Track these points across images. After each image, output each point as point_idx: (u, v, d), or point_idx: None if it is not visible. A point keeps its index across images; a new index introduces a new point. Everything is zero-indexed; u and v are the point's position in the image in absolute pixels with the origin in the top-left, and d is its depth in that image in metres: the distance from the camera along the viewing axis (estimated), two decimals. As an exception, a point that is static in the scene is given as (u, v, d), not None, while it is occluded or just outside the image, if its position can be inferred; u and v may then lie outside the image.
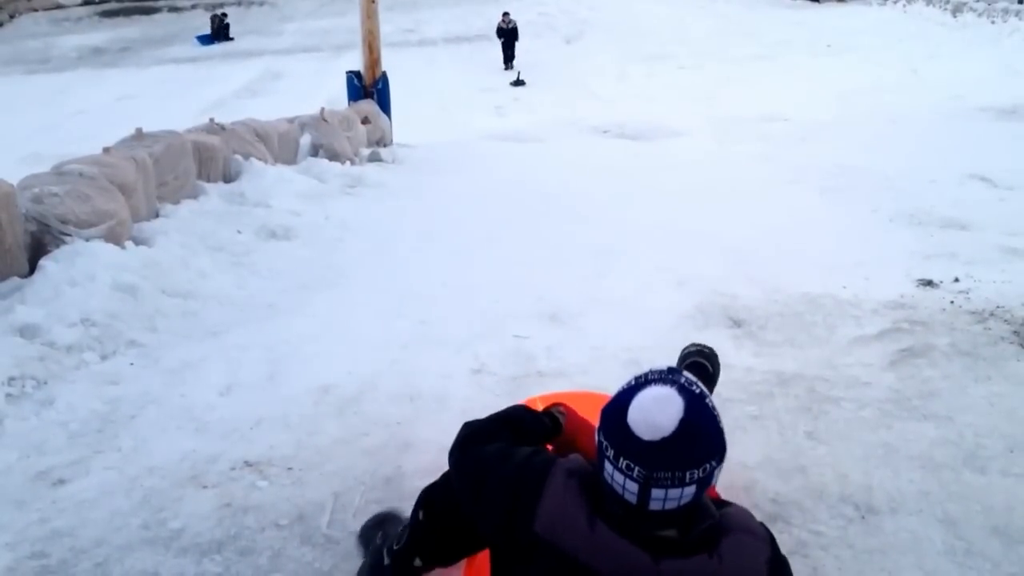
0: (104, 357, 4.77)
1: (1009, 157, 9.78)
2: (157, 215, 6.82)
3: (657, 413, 1.92)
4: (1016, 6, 24.51)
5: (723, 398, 4.21)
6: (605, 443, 1.98)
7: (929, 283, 5.71)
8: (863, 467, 3.56)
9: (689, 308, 5.38)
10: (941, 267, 6.02)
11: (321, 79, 20.75)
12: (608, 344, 4.85)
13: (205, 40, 28.73)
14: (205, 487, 3.47)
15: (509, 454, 2.25)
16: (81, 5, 36.40)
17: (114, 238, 5.86)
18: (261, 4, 34.67)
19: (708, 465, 1.93)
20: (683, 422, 1.90)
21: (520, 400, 2.84)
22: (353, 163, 10.29)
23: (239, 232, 6.97)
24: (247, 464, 3.62)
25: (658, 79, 20.68)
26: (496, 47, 25.69)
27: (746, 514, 2.11)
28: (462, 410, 4.07)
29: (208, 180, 7.79)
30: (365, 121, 11.86)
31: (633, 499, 1.95)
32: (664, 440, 1.89)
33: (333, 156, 9.97)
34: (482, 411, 3.97)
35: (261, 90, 21.29)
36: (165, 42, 28.72)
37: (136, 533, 3.19)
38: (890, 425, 3.91)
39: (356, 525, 3.18)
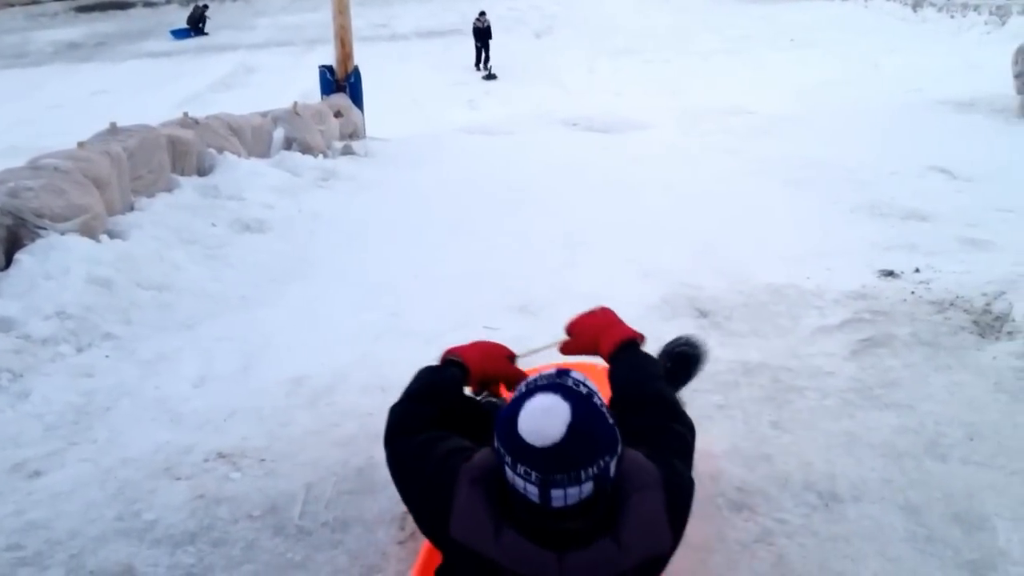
0: (79, 350, 4.81)
1: (967, 149, 9.90)
2: (132, 209, 6.84)
3: (544, 422, 1.98)
4: (975, 0, 24.78)
5: (689, 388, 4.27)
6: (502, 450, 2.03)
7: (890, 274, 5.81)
8: (826, 455, 3.62)
9: (656, 299, 5.45)
10: (902, 258, 6.11)
11: (294, 73, 20.70)
12: (577, 335, 4.91)
13: (180, 34, 28.50)
14: (179, 479, 3.52)
15: (426, 455, 2.29)
16: (57, 0, 36.09)
17: (89, 232, 5.89)
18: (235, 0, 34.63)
19: (601, 462, 2.00)
20: (571, 427, 1.96)
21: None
22: (326, 156, 10.33)
23: (213, 225, 7.01)
24: (220, 455, 3.67)
25: (626, 73, 20.77)
26: (468, 41, 25.73)
27: (636, 463, 2.16)
28: (433, 400, 4.15)
29: (182, 174, 7.82)
30: (338, 115, 11.89)
31: (536, 499, 2.02)
32: (555, 445, 1.96)
33: (306, 149, 10.00)
34: (452, 402, 4.06)
35: (235, 84, 21.23)
36: (140, 37, 28.55)
37: (110, 524, 3.23)
38: (852, 414, 3.98)
39: (328, 516, 3.24)
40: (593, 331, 2.74)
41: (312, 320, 5.30)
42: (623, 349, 2.63)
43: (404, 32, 28.39)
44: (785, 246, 6.56)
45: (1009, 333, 4.68)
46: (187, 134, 8.10)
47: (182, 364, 4.62)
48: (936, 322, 4.95)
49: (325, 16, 13.35)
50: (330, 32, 13.01)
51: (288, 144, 9.99)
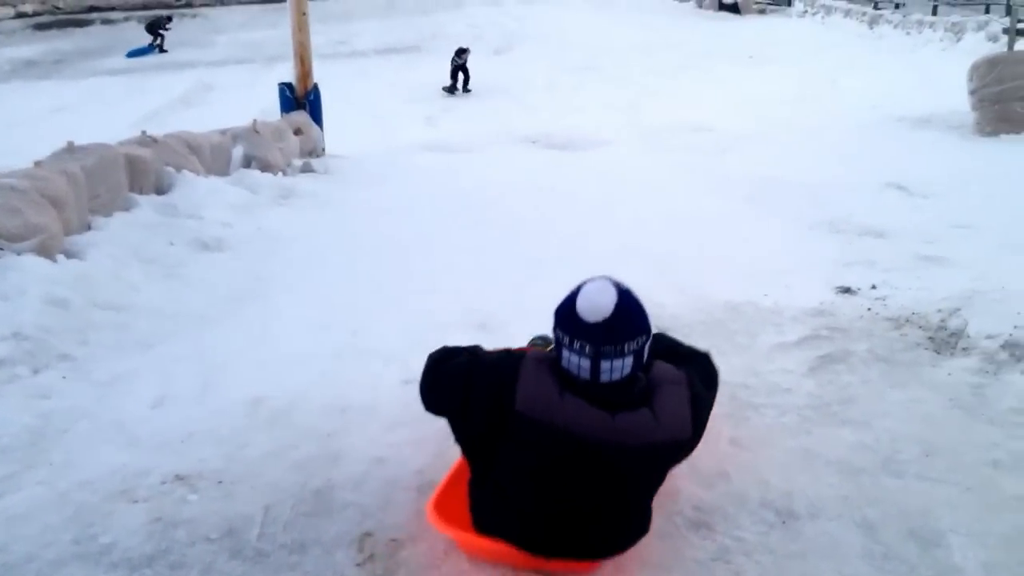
0: (36, 371, 4.75)
1: (924, 166, 10.04)
2: (89, 228, 6.78)
3: (598, 300, 2.66)
4: (930, 18, 25.16)
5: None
6: (560, 333, 2.71)
7: (848, 290, 5.87)
8: (784, 473, 3.64)
9: (616, 318, 5.46)
10: (859, 274, 6.19)
11: (253, 91, 20.59)
12: (536, 353, 4.93)
13: (135, 53, 28.13)
14: (136, 501, 3.48)
15: (480, 358, 2.88)
16: (14, 18, 35.70)
17: (45, 252, 5.83)
18: (193, 16, 34.30)
19: (640, 339, 2.69)
20: (617, 305, 2.65)
21: None
22: (285, 174, 10.28)
23: (171, 244, 6.95)
24: (178, 478, 3.63)
25: (586, 89, 20.84)
26: (427, 58, 25.79)
27: (665, 367, 2.88)
28: (392, 420, 4.14)
29: (140, 192, 7.75)
30: (297, 132, 11.85)
31: (587, 375, 2.67)
32: (605, 320, 2.63)
33: (265, 167, 9.96)
34: (412, 422, 4.07)
35: (194, 101, 21.06)
36: (99, 54, 28.22)
37: (67, 548, 3.19)
38: (810, 431, 4.02)
39: (286, 538, 3.22)
40: None
41: (271, 339, 5.27)
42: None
43: (363, 49, 28.32)
44: (744, 263, 6.62)
45: (964, 349, 4.75)
46: (145, 152, 8.04)
47: (139, 385, 4.58)
48: (892, 338, 5.01)
49: (284, 33, 13.29)
50: (289, 49, 12.97)
51: (247, 162, 9.94)
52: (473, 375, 2.80)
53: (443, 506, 3.07)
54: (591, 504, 2.79)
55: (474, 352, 2.94)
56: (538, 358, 2.75)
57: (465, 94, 21.84)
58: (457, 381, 2.84)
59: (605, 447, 2.67)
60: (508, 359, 2.80)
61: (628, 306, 2.68)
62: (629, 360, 2.67)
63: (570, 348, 2.67)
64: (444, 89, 21.82)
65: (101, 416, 4.24)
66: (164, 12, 31.82)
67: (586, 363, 2.65)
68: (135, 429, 4.09)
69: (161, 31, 28.66)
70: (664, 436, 2.72)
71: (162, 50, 28.32)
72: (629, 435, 2.68)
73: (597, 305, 2.64)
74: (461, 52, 22.54)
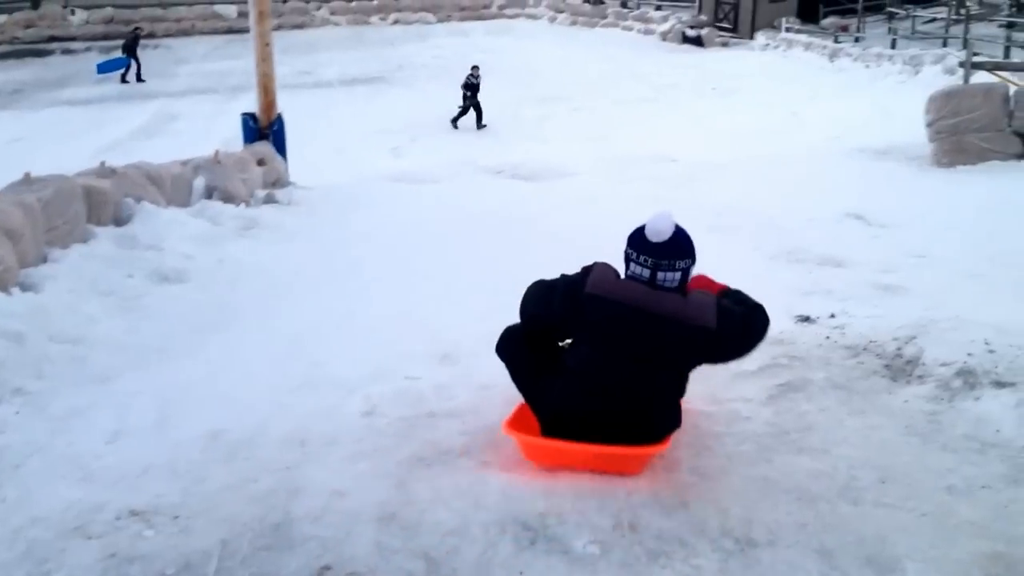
0: (-12, 406, 4.69)
1: (883, 196, 10.18)
2: (46, 260, 6.72)
3: (661, 226, 3.75)
4: (889, 51, 25.60)
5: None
6: (630, 251, 3.82)
7: (807, 319, 5.92)
8: (743, 501, 3.65)
9: (578, 347, 5.48)
10: (818, 303, 6.24)
11: (217, 121, 20.57)
12: (498, 383, 4.91)
13: (106, 67, 27.60)
14: (90, 537, 3.43)
15: (563, 276, 4.01)
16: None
17: (0, 285, 5.77)
18: (156, 47, 34.20)
19: (688, 260, 3.83)
20: (676, 231, 3.78)
21: None
22: (248, 205, 10.24)
23: (130, 276, 6.90)
24: (133, 513, 3.59)
25: (552, 120, 21.00)
26: (392, 90, 25.84)
27: (701, 292, 3.89)
28: (353, 452, 4.12)
29: (99, 224, 7.70)
30: (261, 163, 11.81)
31: (646, 279, 3.76)
32: (665, 242, 3.74)
33: (228, 198, 9.92)
34: (373, 453, 4.06)
35: (156, 132, 20.99)
36: (59, 84, 28.03)
37: (19, 586, 3.14)
38: (769, 459, 4.04)
39: (244, 573, 3.19)
40: (705, 282, 4.25)
41: (231, 371, 5.23)
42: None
43: (329, 79, 28.39)
44: (706, 293, 6.65)
45: (920, 377, 4.79)
46: (104, 183, 8.00)
47: (95, 419, 4.53)
48: (850, 366, 5.06)
49: (248, 63, 13.27)
50: (254, 79, 12.96)
51: (209, 193, 9.89)
52: (557, 281, 4.00)
53: (515, 425, 4.00)
54: (639, 379, 3.74)
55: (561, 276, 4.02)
56: (606, 263, 3.91)
57: (480, 130, 21.65)
58: (546, 286, 4.06)
59: (646, 312, 3.67)
60: (583, 268, 3.95)
61: (681, 235, 3.81)
62: (678, 275, 3.78)
63: (636, 261, 3.79)
64: (452, 122, 21.74)
65: (55, 451, 4.18)
66: (131, 27, 31.38)
67: (647, 272, 3.76)
68: (90, 464, 4.04)
69: (137, 52, 28.17)
70: (692, 314, 3.67)
71: (140, 79, 27.86)
72: (663, 305, 3.68)
73: (660, 230, 3.74)
74: (475, 69, 22.40)
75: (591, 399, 3.76)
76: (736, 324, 3.82)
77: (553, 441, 3.86)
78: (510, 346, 4.20)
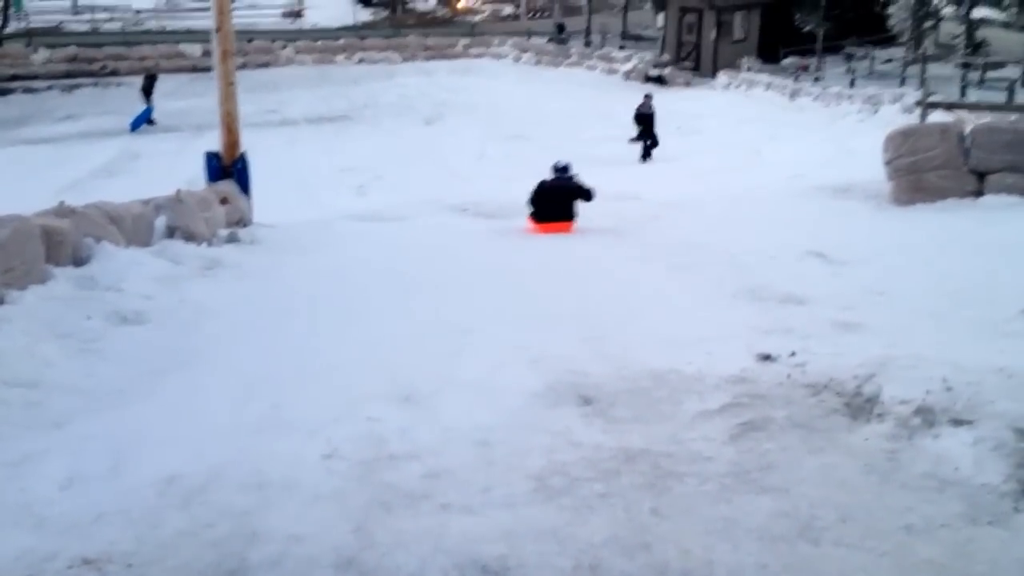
0: (-61, 452, 4.60)
1: (843, 234, 10.31)
2: (2, 302, 6.62)
3: (564, 161, 12.87)
4: (848, 91, 26.00)
5: (571, 477, 4.32)
6: (553, 171, 12.72)
7: (768, 357, 5.94)
8: (704, 541, 3.67)
9: (540, 387, 5.47)
10: (779, 341, 6.27)
11: (180, 159, 20.43)
12: (460, 424, 4.91)
13: (139, 123, 26.89)
14: (41, 586, 3.37)
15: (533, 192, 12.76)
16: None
17: (-47, 328, 5.69)
18: (119, 85, 34.03)
19: (570, 170, 12.70)
20: (567, 164, 12.91)
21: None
22: (211, 244, 10.17)
23: (88, 318, 6.81)
24: (85, 561, 3.53)
25: (516, 159, 21.08)
26: (355, 127, 25.83)
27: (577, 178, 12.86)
28: (312, 495, 4.08)
29: (57, 265, 7.60)
30: (224, 201, 11.75)
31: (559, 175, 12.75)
32: (564, 166, 12.79)
33: (190, 237, 9.84)
34: (332, 496, 4.02)
35: (118, 170, 20.84)
36: (19, 123, 27.74)
37: (-33, 637, 3.08)
38: (730, 499, 4.05)
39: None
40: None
41: (189, 414, 5.17)
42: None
43: (294, 118, 28.38)
44: (668, 331, 6.68)
45: (879, 415, 4.83)
46: (63, 223, 7.91)
47: (49, 465, 4.44)
48: (810, 405, 5.09)
49: (212, 101, 13.24)
50: (217, 117, 12.93)
51: (171, 232, 9.81)
52: (532, 195, 12.48)
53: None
54: (560, 205, 12.31)
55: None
56: (544, 180, 12.53)
57: (645, 161, 21.06)
58: (530, 195, 12.51)
59: (562, 186, 12.38)
60: (538, 183, 12.57)
61: (567, 166, 12.68)
62: (568, 175, 12.54)
63: (555, 171, 12.56)
64: (642, 158, 21.14)
65: (7, 498, 4.11)
66: (148, 70, 30.94)
67: (559, 174, 12.60)
68: (43, 511, 3.97)
69: (149, 90, 27.58)
70: (575, 184, 12.41)
71: (151, 122, 27.29)
72: (567, 183, 12.45)
73: (563, 162, 12.67)
74: (647, 98, 21.65)
75: (551, 210, 12.16)
76: (588, 189, 12.19)
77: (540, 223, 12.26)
78: (531, 202, 12.41)
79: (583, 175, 12.53)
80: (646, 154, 21.26)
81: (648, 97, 22.01)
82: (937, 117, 15.12)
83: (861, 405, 5.00)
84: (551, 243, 10.87)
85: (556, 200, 12.14)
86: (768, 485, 4.17)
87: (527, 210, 12.32)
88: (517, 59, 41.47)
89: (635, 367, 5.84)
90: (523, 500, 4.09)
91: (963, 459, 4.28)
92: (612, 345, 6.33)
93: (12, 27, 39.63)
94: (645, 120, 21.40)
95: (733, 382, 5.50)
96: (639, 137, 21.37)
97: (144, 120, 26.81)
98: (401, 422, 4.95)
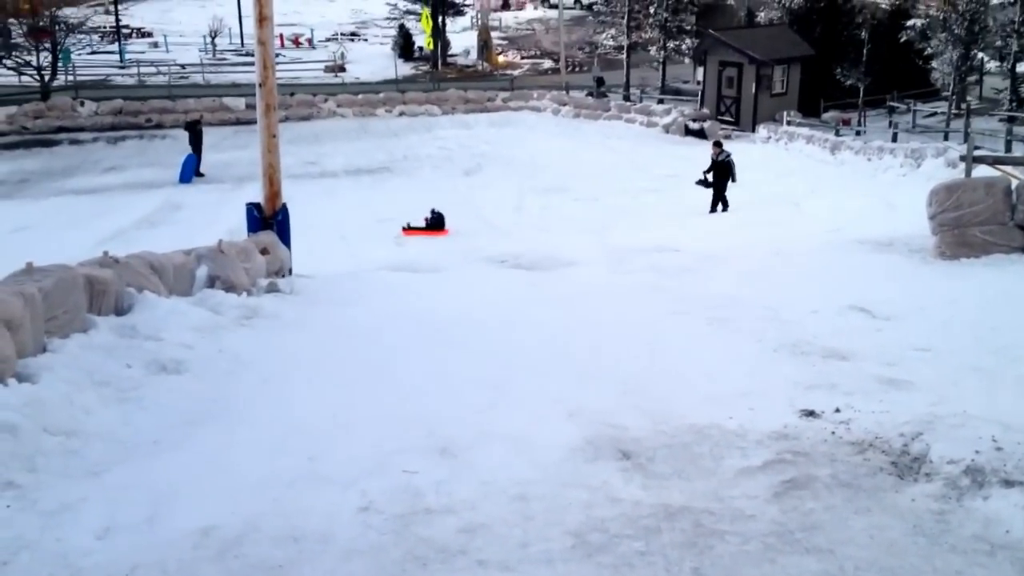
0: (-21, 500, 4.61)
1: (886, 288, 10.16)
2: (44, 350, 6.67)
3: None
4: (890, 144, 25.85)
5: (611, 534, 4.25)
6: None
7: (811, 413, 5.86)
8: (747, 603, 3.60)
9: (579, 441, 5.42)
10: (822, 397, 6.18)
11: (221, 210, 20.67)
12: (497, 478, 4.86)
13: (186, 176, 27.16)
14: (75, 639, 3.34)
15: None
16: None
17: (-4, 375, 5.73)
18: (164, 137, 34.59)
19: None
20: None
21: None
22: (250, 294, 10.22)
23: (128, 366, 6.84)
24: (120, 613, 3.51)
25: (554, 210, 21.14)
26: (395, 179, 26.06)
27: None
28: (347, 550, 4.04)
29: (99, 314, 7.66)
30: (264, 252, 11.84)
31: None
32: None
33: (230, 287, 9.91)
34: (368, 551, 3.97)
35: (160, 221, 21.12)
36: (65, 174, 28.25)
37: None
38: (774, 559, 3.97)
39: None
40: None
41: (225, 465, 5.15)
42: None
43: (333, 169, 28.67)
44: (708, 385, 6.62)
45: (927, 475, 4.72)
46: (106, 273, 7.99)
47: (86, 514, 4.44)
48: (855, 463, 4.99)
49: (254, 154, 13.40)
50: (259, 169, 13.08)
51: (212, 282, 9.89)
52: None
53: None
54: None
55: None
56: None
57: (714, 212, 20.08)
58: None
59: None
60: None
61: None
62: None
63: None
64: (722, 209, 20.20)
65: (44, 547, 4.10)
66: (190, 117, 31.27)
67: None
68: (78, 561, 3.96)
69: (197, 136, 27.72)
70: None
71: (199, 174, 27.64)
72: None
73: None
74: (718, 145, 20.59)
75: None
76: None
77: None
78: None
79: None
80: (713, 207, 20.21)
81: (718, 145, 20.79)
82: (982, 172, 14.96)
83: (908, 464, 4.90)
84: (589, 296, 10.80)
85: None
86: (813, 546, 4.08)
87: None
88: (556, 112, 41.67)
89: (675, 421, 5.77)
90: (561, 556, 4.03)
91: (1014, 521, 4.17)
92: (651, 399, 6.27)
93: (60, 80, 40.37)
94: (719, 169, 20.14)
95: (776, 438, 5.42)
96: (708, 184, 20.16)
97: (192, 171, 27.15)
98: (438, 475, 4.91)
